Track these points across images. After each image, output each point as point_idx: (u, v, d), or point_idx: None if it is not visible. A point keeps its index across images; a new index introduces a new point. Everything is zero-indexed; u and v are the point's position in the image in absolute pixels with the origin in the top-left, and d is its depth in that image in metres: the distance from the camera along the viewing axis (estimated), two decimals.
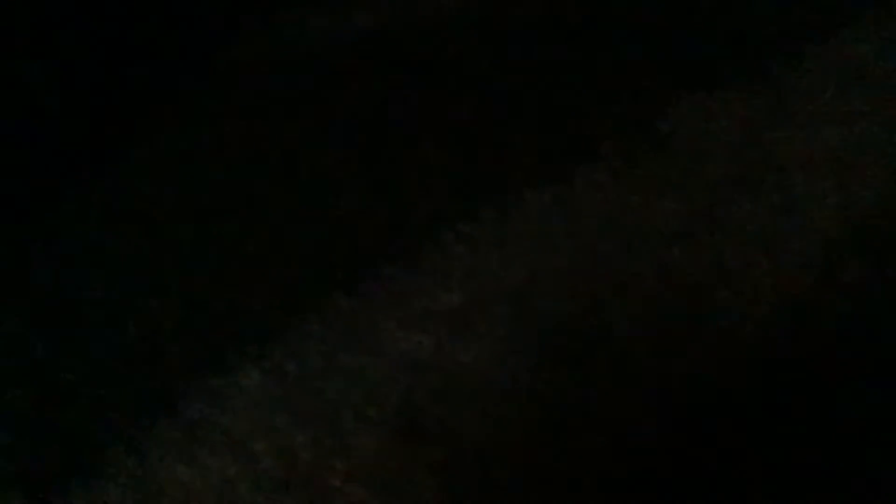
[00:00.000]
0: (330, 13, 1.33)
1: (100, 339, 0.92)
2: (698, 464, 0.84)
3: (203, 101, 1.21)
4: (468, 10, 1.32)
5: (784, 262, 0.99)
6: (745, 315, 0.94)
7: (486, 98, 1.20)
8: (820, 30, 1.25)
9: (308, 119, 1.19)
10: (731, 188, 1.08)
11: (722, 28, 1.28)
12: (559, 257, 1.00)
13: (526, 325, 0.92)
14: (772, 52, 1.24)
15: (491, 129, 1.16)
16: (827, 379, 0.89)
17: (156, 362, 0.90)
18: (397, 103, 1.21)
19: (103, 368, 0.89)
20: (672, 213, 1.05)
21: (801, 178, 1.09)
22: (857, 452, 0.84)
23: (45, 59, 1.12)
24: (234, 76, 1.26)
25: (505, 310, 0.94)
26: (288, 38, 1.29)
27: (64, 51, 1.12)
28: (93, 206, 1.07)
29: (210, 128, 1.19)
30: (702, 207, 1.06)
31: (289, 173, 1.12)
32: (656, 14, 1.30)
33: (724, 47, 1.26)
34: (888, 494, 0.83)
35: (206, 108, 1.21)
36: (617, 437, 0.85)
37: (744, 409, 0.87)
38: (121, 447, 0.85)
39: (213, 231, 1.04)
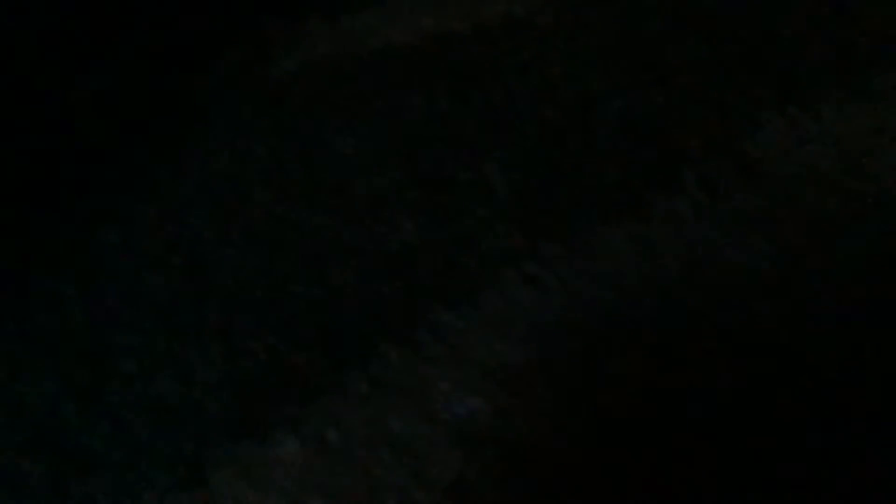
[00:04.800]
0: (391, 17, 1.25)
1: (130, 393, 0.85)
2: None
3: (254, 117, 1.14)
4: (538, 16, 1.22)
5: (887, 318, 0.89)
6: (838, 379, 0.84)
7: (556, 115, 1.11)
8: None
9: (366, 137, 1.11)
10: (828, 224, 0.97)
11: (818, 38, 1.17)
12: (634, 304, 0.91)
13: (593, 388, 0.84)
14: (873, 64, 1.12)
15: (560, 153, 1.07)
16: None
17: (187, 421, 0.83)
18: (461, 118, 1.12)
19: (131, 430, 0.83)
20: (761, 254, 0.95)
21: None
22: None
23: (84, 82, 1.06)
24: (287, 88, 1.18)
25: (571, 368, 0.85)
26: (346, 45, 1.22)
27: (103, 70, 1.06)
28: (134, 238, 1.00)
29: (262, 146, 1.12)
30: (795, 247, 0.95)
31: (342, 200, 1.04)
32: (746, 21, 1.19)
33: (819, 59, 1.14)
34: None
35: (257, 124, 1.14)
36: None
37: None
38: None
39: (258, 268, 0.97)
